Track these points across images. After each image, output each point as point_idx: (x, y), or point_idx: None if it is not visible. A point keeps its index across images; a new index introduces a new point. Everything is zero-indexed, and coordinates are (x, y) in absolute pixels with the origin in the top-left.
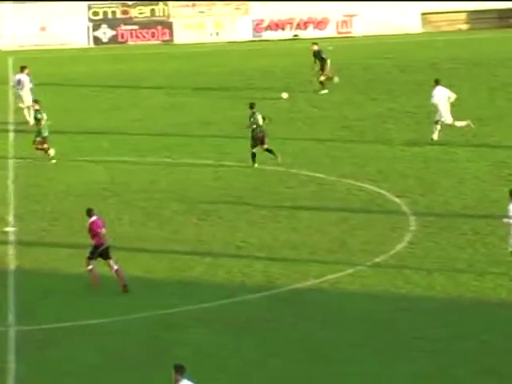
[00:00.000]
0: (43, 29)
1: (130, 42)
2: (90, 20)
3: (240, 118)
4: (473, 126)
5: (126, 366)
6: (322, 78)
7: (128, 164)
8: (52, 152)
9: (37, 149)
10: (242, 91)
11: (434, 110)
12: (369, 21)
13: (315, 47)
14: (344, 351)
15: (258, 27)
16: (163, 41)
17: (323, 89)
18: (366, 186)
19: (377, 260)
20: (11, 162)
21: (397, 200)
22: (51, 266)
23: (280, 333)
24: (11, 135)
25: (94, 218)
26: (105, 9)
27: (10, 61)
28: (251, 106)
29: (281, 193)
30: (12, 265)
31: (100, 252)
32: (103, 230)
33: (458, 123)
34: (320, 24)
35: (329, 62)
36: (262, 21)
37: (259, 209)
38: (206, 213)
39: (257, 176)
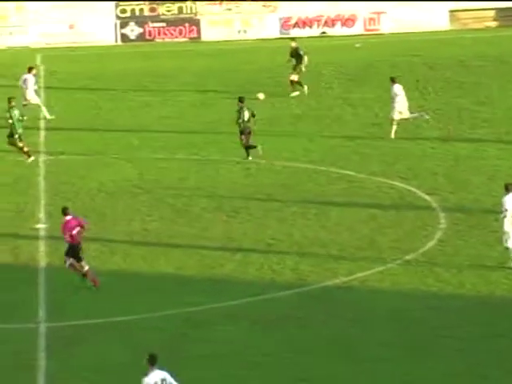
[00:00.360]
0: (71, 27)
1: (158, 40)
2: (118, 18)
3: (268, 115)
4: (427, 117)
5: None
6: (293, 78)
7: (158, 161)
8: (26, 149)
9: (11, 145)
10: (270, 89)
11: (392, 107)
12: (397, 18)
13: (293, 44)
14: (374, 349)
15: (285, 25)
16: (191, 38)
17: (294, 90)
18: (396, 183)
19: (407, 258)
20: (42, 160)
21: (427, 197)
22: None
23: (310, 330)
24: (42, 132)
25: (68, 218)
26: (132, 6)
27: (39, 58)
28: (240, 100)
29: (310, 190)
30: (42, 262)
31: (76, 251)
32: (76, 231)
33: (412, 115)
34: (348, 21)
35: (306, 58)
36: (290, 18)
37: (289, 206)
38: (236, 210)
39: (286, 173)
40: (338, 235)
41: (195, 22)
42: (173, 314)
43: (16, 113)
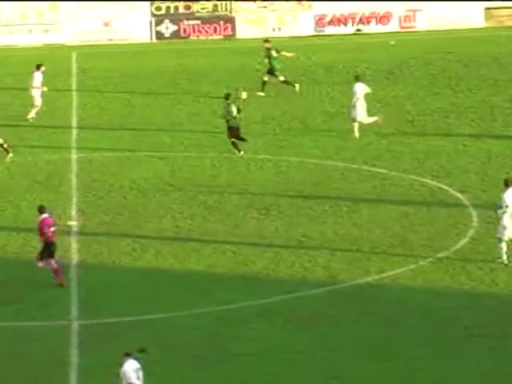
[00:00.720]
0: (107, 24)
1: (192, 37)
2: (153, 15)
3: (301, 112)
4: (381, 122)
5: (187, 360)
6: (266, 78)
7: (190, 159)
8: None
9: None
10: (304, 86)
11: (351, 107)
12: (432, 15)
13: (267, 45)
14: (406, 347)
15: (320, 22)
16: (225, 36)
17: (262, 91)
18: (428, 181)
19: (439, 256)
20: (74, 157)
21: (459, 195)
22: (114, 260)
23: (341, 328)
24: (74, 130)
25: (44, 216)
26: (167, 4)
27: (74, 56)
28: (226, 97)
29: (342, 188)
30: (75, 259)
31: (52, 250)
32: (52, 229)
33: (368, 120)
34: (383, 19)
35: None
36: (325, 16)
37: (320, 204)
38: (267, 207)
39: (318, 171)
40: (370, 233)
41: (230, 20)
42: (205, 311)
43: None
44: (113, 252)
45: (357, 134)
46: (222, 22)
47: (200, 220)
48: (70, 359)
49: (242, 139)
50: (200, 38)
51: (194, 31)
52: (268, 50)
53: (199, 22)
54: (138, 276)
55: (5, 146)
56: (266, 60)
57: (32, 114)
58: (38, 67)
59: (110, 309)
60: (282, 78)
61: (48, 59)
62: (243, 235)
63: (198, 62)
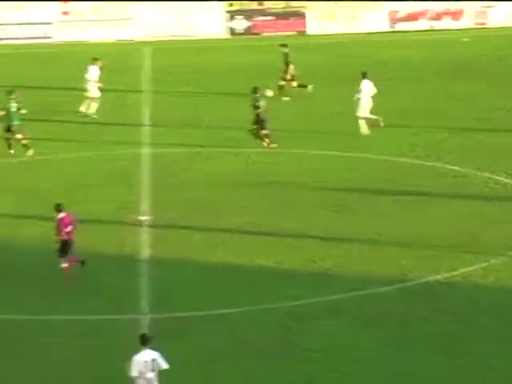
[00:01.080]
0: (180, 20)
1: (265, 33)
2: (226, 11)
3: (376, 110)
4: (382, 124)
5: (257, 356)
6: (282, 83)
7: (262, 155)
8: (25, 141)
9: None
10: (377, 82)
11: (356, 103)
12: (506, 12)
13: (285, 49)
14: (476, 345)
15: (393, 18)
16: (297, 32)
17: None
18: (502, 178)
19: (511, 254)
20: (147, 152)
21: None
22: (185, 255)
23: (411, 326)
24: (146, 125)
25: (62, 215)
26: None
27: (146, 51)
28: (254, 91)
29: (415, 185)
30: (146, 253)
31: (67, 249)
32: (69, 228)
33: (369, 116)
34: (456, 15)
35: (292, 67)
36: (398, 12)
37: (393, 201)
38: (339, 204)
39: (391, 168)
40: (442, 230)
41: (302, 16)
42: (274, 307)
43: (13, 105)
44: (184, 247)
45: (366, 130)
46: (294, 18)
47: (270, 216)
48: None
49: (265, 133)
50: (272, 34)
51: (266, 27)
52: (286, 54)
53: (272, 18)
54: (209, 271)
55: (24, 142)
56: (287, 64)
57: (92, 110)
58: (95, 61)
59: (181, 303)
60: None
61: (120, 55)
62: (313, 231)
63: (270, 58)
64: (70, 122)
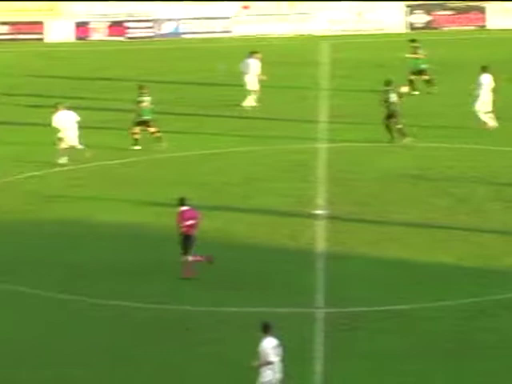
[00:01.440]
0: (359, 14)
1: (445, 28)
2: (407, 5)
3: (503, 103)
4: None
5: (433, 352)
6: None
7: (439, 150)
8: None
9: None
10: None
11: (476, 98)
12: None
13: (415, 44)
14: None
15: None
16: (477, 26)
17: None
18: None
19: None
20: (323, 147)
21: None
22: (360, 250)
23: None
24: (323, 120)
25: (183, 208)
26: None
27: (325, 45)
28: (387, 84)
29: None
30: (322, 247)
31: (189, 243)
32: (190, 222)
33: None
34: None
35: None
36: None
37: None
38: None
39: None
40: None
41: (481, 10)
42: (452, 304)
43: (146, 99)
44: (360, 242)
45: (493, 123)
46: (474, 12)
47: (448, 212)
48: (314, 346)
49: (391, 128)
50: (452, 28)
51: (446, 22)
52: (415, 48)
53: (452, 12)
54: (384, 266)
55: (158, 134)
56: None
57: (251, 102)
58: (253, 54)
59: (356, 298)
60: (411, 77)
61: (298, 49)
62: (492, 228)
63: (450, 53)
64: (240, 118)
